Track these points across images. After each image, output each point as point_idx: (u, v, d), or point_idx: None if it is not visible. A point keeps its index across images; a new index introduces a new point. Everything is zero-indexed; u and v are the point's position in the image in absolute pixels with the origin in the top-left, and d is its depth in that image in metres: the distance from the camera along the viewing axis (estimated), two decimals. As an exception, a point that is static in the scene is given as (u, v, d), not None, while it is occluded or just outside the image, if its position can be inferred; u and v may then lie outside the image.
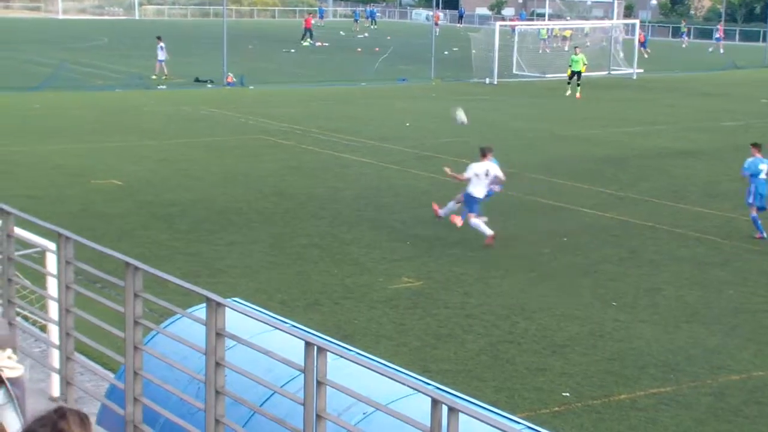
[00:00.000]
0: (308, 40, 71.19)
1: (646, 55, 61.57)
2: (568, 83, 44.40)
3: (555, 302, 15.11)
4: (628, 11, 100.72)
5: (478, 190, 18.47)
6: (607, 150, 29.15)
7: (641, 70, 54.24)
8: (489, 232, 18.27)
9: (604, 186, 23.78)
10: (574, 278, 16.39)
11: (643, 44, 61.00)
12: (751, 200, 19.16)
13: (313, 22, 77.32)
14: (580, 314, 14.58)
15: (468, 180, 18.47)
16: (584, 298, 15.33)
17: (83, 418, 3.72)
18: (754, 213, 19.15)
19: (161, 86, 42.96)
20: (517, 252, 17.93)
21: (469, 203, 18.51)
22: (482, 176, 18.45)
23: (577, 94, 43.41)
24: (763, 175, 18.99)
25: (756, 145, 19.36)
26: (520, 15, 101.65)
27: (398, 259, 17.28)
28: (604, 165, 26.69)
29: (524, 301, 15.10)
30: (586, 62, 44.97)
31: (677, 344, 13.50)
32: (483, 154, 18.72)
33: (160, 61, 46.10)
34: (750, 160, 19.30)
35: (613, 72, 54.65)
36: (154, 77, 45.16)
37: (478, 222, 18.38)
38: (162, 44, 46.10)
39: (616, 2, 69.22)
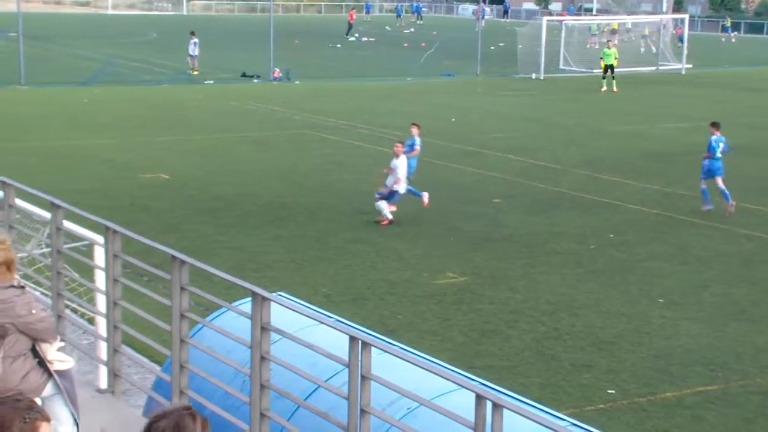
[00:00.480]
0: (354, 35, 71.32)
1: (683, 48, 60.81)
2: (603, 78, 44.06)
3: (601, 298, 15.01)
4: (678, 6, 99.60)
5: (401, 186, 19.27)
6: (654, 146, 28.87)
7: (690, 66, 53.66)
8: (390, 216, 19.06)
9: (651, 182, 23.56)
10: (621, 274, 16.27)
11: (680, 38, 60.28)
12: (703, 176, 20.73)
13: (355, 16, 77.46)
14: (626, 311, 14.47)
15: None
16: (630, 295, 15.21)
17: (206, 423, 3.72)
18: (703, 186, 20.66)
19: (208, 81, 43.25)
20: (562, 248, 17.83)
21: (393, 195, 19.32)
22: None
23: (615, 89, 43.04)
24: (718, 153, 20.52)
25: (714, 124, 20.83)
26: (568, 10, 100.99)
27: (442, 254, 17.25)
28: (650, 161, 26.45)
29: (570, 297, 15.01)
30: (617, 56, 44.59)
31: (725, 342, 13.35)
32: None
33: (192, 56, 46.08)
34: (714, 138, 20.58)
35: (661, 67, 54.12)
36: (195, 73, 45.32)
37: (385, 206, 19.12)
38: (195, 39, 46.09)
39: (664, -3, 68.52)
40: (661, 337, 13.47)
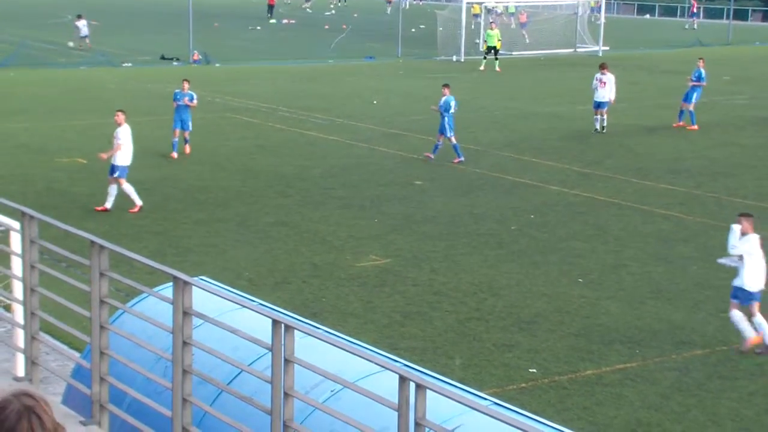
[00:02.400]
0: (271, 17, 70.78)
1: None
2: (484, 59, 44.88)
3: (522, 279, 15.19)
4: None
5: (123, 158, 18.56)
6: (574, 127, 29.26)
7: (607, 48, 54.41)
8: (139, 202, 18.42)
9: (570, 163, 23.88)
10: (541, 255, 16.47)
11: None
12: (449, 134, 23.46)
13: None
14: (547, 291, 14.67)
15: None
16: (551, 275, 15.42)
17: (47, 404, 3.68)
18: (454, 141, 23.44)
19: (126, 64, 42.58)
20: (484, 229, 17.98)
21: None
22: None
23: (497, 68, 43.81)
24: (452, 111, 23.63)
25: (446, 85, 23.93)
26: None
27: (366, 237, 17.28)
28: (569, 142, 26.80)
29: (492, 278, 15.17)
30: (500, 38, 45.62)
31: (643, 320, 13.62)
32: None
33: (84, 36, 47.87)
34: (444, 98, 23.47)
35: (579, 49, 54.78)
36: (71, 44, 47.18)
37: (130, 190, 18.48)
38: (84, 21, 48.09)
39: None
40: (581, 316, 13.69)
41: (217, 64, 43.36)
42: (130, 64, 42.61)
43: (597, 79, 28.33)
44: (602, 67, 28.68)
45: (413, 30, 60.19)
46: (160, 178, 21.12)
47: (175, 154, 23.45)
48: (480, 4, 57.62)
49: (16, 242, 8.66)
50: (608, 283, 15.18)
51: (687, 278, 15.53)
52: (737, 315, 12.58)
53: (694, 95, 29.37)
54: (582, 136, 27.70)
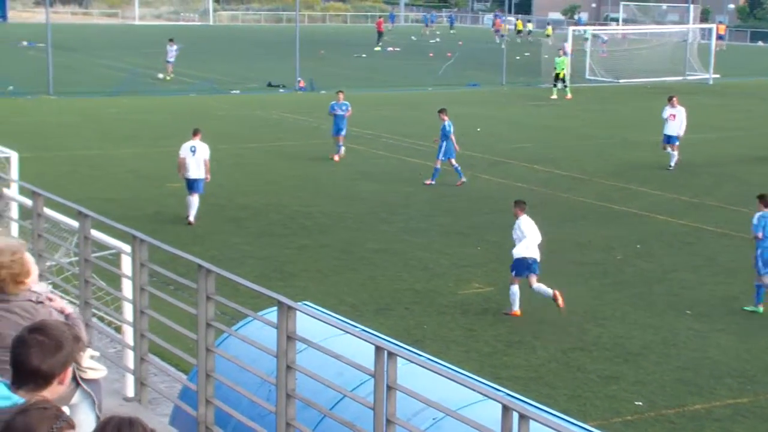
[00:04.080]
0: (379, 44, 71.49)
1: (719, 48, 60.28)
2: (554, 86, 43.77)
3: (627, 309, 14.91)
4: (705, 16, 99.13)
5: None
6: (682, 156, 28.69)
7: (717, 75, 53.34)
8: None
9: (678, 192, 23.41)
10: (648, 285, 16.16)
11: (721, 37, 59.51)
12: (439, 156, 23.95)
13: (384, 26, 77.61)
14: (654, 322, 14.37)
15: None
16: (658, 306, 15.10)
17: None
18: (438, 165, 23.92)
19: (234, 91, 43.42)
20: (589, 258, 17.74)
21: None
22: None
23: (568, 95, 42.86)
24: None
25: (442, 110, 24.43)
26: (578, 20, 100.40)
27: (468, 264, 17.21)
28: (678, 171, 26.28)
29: (596, 308, 14.93)
30: (564, 66, 44.22)
31: (754, 354, 13.22)
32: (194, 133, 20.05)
33: (169, 61, 47.46)
34: (444, 124, 23.94)
35: (688, 77, 53.82)
36: (160, 77, 46.70)
37: None
38: (175, 46, 47.58)
39: (692, 6, 68.18)
40: (689, 349, 13.36)
41: (322, 92, 43.86)
42: (237, 91, 43.44)
43: (667, 112, 26.83)
44: (671, 99, 27.20)
45: (518, 57, 60.02)
46: (265, 204, 21.43)
47: (336, 157, 26.70)
48: (583, 31, 57.14)
49: (126, 265, 8.87)
50: (718, 315, 14.79)
51: (801, 312, 15.02)
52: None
53: None
54: (690, 165, 27.14)
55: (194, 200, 19.49)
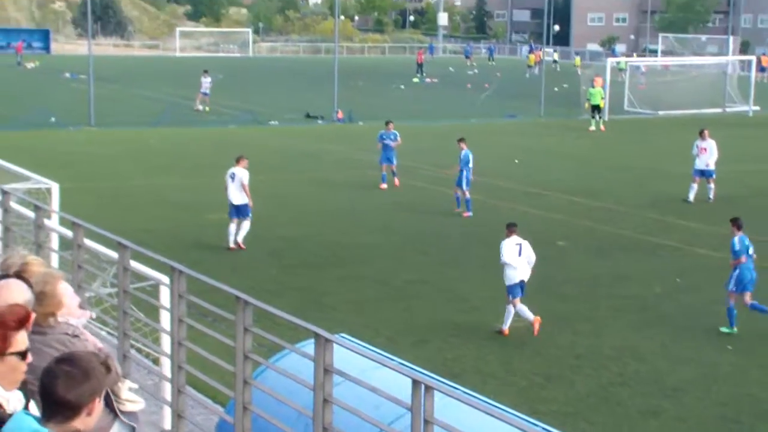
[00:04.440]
0: (417, 75, 71.87)
1: (761, 80, 59.90)
2: (592, 117, 43.29)
3: (667, 344, 14.75)
4: (744, 47, 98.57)
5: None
6: (722, 188, 28.43)
7: (758, 108, 52.93)
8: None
9: (718, 225, 23.16)
10: (687, 320, 15.99)
11: (763, 69, 59.12)
12: (465, 187, 24.09)
13: (424, 57, 78.11)
14: (694, 357, 14.21)
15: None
16: (698, 341, 14.93)
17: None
18: (468, 196, 24.06)
19: (273, 122, 43.70)
20: (627, 292, 17.59)
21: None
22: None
23: (602, 127, 42.54)
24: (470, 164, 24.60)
25: (462, 140, 24.76)
26: (612, 50, 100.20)
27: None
28: (718, 204, 26.05)
29: (635, 343, 14.78)
30: (603, 95, 43.86)
31: (796, 391, 13.02)
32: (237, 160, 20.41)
33: (205, 93, 46.88)
34: (462, 153, 24.35)
35: (727, 109, 53.45)
36: (198, 108, 46.19)
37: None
38: (209, 78, 47.23)
39: (731, 38, 67.84)
40: (730, 384, 13.19)
41: (360, 123, 44.04)
42: (276, 122, 43.71)
43: (697, 146, 26.46)
44: (702, 133, 26.75)
45: (556, 89, 59.97)
46: (303, 235, 21.49)
47: (384, 185, 27.12)
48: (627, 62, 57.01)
49: (165, 296, 8.91)
50: (760, 351, 14.59)
51: None
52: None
53: None
54: (730, 198, 26.89)
55: (242, 225, 19.92)
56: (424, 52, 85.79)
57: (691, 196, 26.04)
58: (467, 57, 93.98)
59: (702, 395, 12.76)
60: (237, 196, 19.86)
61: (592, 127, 42.88)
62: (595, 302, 16.90)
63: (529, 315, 15.01)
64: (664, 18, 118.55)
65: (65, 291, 5.84)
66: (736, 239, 15.66)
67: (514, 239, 15.31)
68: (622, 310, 16.45)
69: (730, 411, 12.26)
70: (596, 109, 43.17)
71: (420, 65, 75.07)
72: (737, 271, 15.43)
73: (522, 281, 15.12)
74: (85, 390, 3.92)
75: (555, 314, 16.10)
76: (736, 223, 15.86)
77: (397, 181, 27.37)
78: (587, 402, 12.49)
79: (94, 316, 8.38)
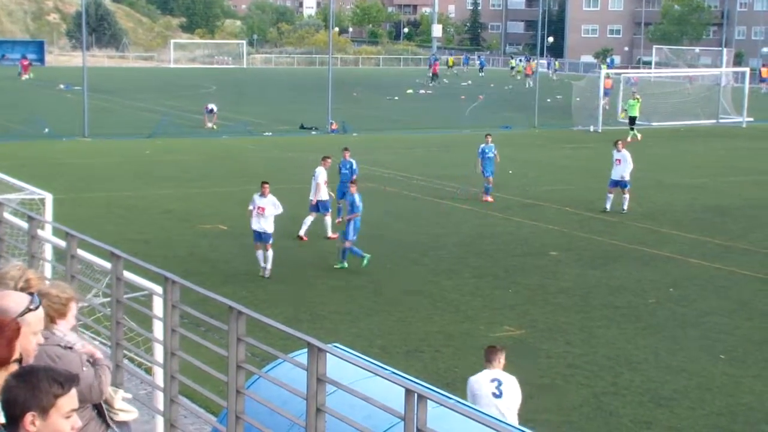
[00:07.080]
0: (432, 84, 73.40)
1: (764, 91, 60.31)
2: (631, 129, 43.88)
3: (660, 354, 14.76)
4: (738, 59, 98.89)
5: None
6: (716, 199, 28.53)
7: (751, 119, 53.10)
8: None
9: (712, 236, 23.24)
10: (681, 329, 16.01)
11: (763, 80, 59.56)
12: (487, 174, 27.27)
13: (439, 68, 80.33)
14: (687, 367, 14.21)
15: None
16: (691, 351, 14.95)
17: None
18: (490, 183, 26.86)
19: (267, 133, 43.73)
20: (621, 302, 17.61)
21: None
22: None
23: (639, 136, 43.05)
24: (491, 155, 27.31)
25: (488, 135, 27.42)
26: (609, 62, 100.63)
27: (500, 306, 17.14)
28: (712, 215, 26.12)
29: (628, 352, 14.79)
30: (637, 107, 44.98)
31: (790, 400, 13.03)
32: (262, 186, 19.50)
33: (210, 111, 45.53)
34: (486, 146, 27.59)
35: (721, 120, 53.61)
36: (210, 125, 45.12)
37: None
38: (210, 105, 45.92)
39: (725, 50, 68.07)
40: (723, 394, 13.19)
41: (354, 134, 44.10)
42: (270, 134, 43.74)
43: (614, 157, 26.35)
44: (617, 143, 26.74)
45: (549, 100, 60.10)
46: (295, 245, 21.48)
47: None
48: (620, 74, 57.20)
49: (158, 306, 8.91)
50: (753, 360, 14.61)
51: (837, 358, 14.81)
52: None
53: None
54: (725, 209, 26.97)
55: (266, 254, 18.86)
56: (427, 64, 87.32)
57: (608, 206, 26.05)
58: (481, 68, 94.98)
59: (695, 405, 12.77)
60: (262, 222, 19.10)
61: (633, 137, 42.82)
62: (588, 312, 16.91)
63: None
64: (658, 28, 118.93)
65: (74, 309, 5.97)
66: None
67: (492, 372, 9.85)
68: (616, 320, 16.47)
69: (723, 421, 12.27)
70: (633, 120, 44.16)
71: (435, 75, 76.61)
72: None
73: None
74: (18, 399, 3.74)
75: (548, 324, 16.11)
76: None
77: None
78: (580, 411, 12.49)
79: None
